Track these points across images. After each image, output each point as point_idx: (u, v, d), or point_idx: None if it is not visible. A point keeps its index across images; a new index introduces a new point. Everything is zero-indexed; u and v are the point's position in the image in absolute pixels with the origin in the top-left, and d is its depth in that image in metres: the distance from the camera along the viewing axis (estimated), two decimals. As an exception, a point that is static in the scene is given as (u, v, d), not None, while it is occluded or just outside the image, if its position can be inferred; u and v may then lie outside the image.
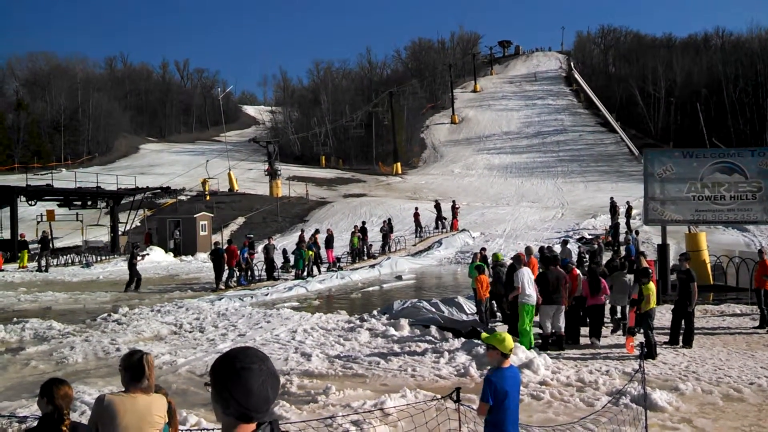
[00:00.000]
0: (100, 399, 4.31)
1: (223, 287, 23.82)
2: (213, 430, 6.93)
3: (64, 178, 45.68)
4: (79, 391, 9.48)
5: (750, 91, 74.92)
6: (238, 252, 24.93)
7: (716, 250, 24.52)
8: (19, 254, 32.46)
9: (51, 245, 33.80)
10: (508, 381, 5.38)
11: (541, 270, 13.71)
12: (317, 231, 30.83)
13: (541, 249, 18.75)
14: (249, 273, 25.97)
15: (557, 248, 23.63)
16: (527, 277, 12.84)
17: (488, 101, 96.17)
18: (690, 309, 12.84)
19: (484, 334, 5.62)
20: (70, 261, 34.07)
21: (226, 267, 24.09)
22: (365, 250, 33.25)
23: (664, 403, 8.85)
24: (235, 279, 24.79)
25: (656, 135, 79.77)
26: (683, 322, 12.90)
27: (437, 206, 40.63)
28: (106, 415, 4.20)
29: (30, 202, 37.69)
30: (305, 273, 26.88)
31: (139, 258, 25.04)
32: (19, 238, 33.40)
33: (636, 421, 7.74)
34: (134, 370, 4.33)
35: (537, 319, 13.08)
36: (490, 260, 18.25)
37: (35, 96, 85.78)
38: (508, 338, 5.51)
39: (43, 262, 30.76)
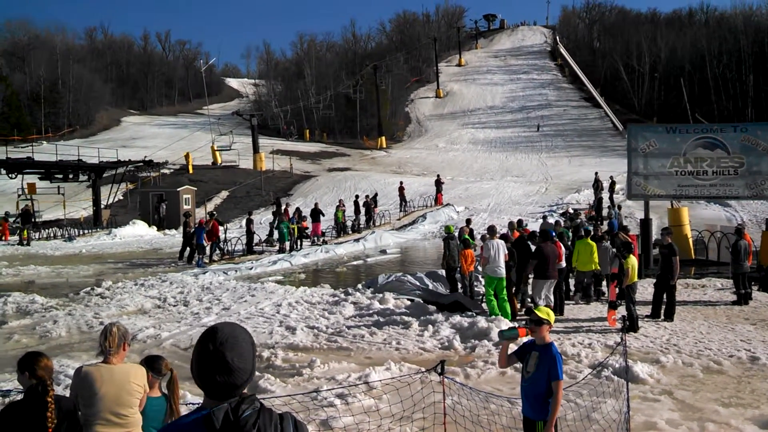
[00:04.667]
0: (78, 370, 4.48)
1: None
2: (199, 403, 6.93)
3: (45, 151, 45.02)
4: (63, 365, 9.46)
5: (733, 67, 75.06)
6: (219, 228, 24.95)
7: (698, 224, 24.74)
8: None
9: (33, 219, 33.50)
10: None
11: (538, 244, 13.87)
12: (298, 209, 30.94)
13: (510, 224, 18.74)
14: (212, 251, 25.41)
15: (538, 224, 23.72)
16: (497, 249, 12.99)
17: (473, 75, 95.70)
18: (672, 283, 13.00)
19: (541, 313, 5.22)
20: (52, 235, 33.77)
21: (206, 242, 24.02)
22: (357, 224, 33.47)
23: (645, 376, 8.98)
24: (216, 254, 24.70)
25: (640, 110, 79.90)
26: (665, 295, 13.06)
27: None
28: (85, 385, 4.33)
29: (10, 175, 37.23)
30: (290, 247, 26.82)
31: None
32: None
33: (617, 392, 7.83)
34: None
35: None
36: (456, 233, 18.21)
37: (14, 67, 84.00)
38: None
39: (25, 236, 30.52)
